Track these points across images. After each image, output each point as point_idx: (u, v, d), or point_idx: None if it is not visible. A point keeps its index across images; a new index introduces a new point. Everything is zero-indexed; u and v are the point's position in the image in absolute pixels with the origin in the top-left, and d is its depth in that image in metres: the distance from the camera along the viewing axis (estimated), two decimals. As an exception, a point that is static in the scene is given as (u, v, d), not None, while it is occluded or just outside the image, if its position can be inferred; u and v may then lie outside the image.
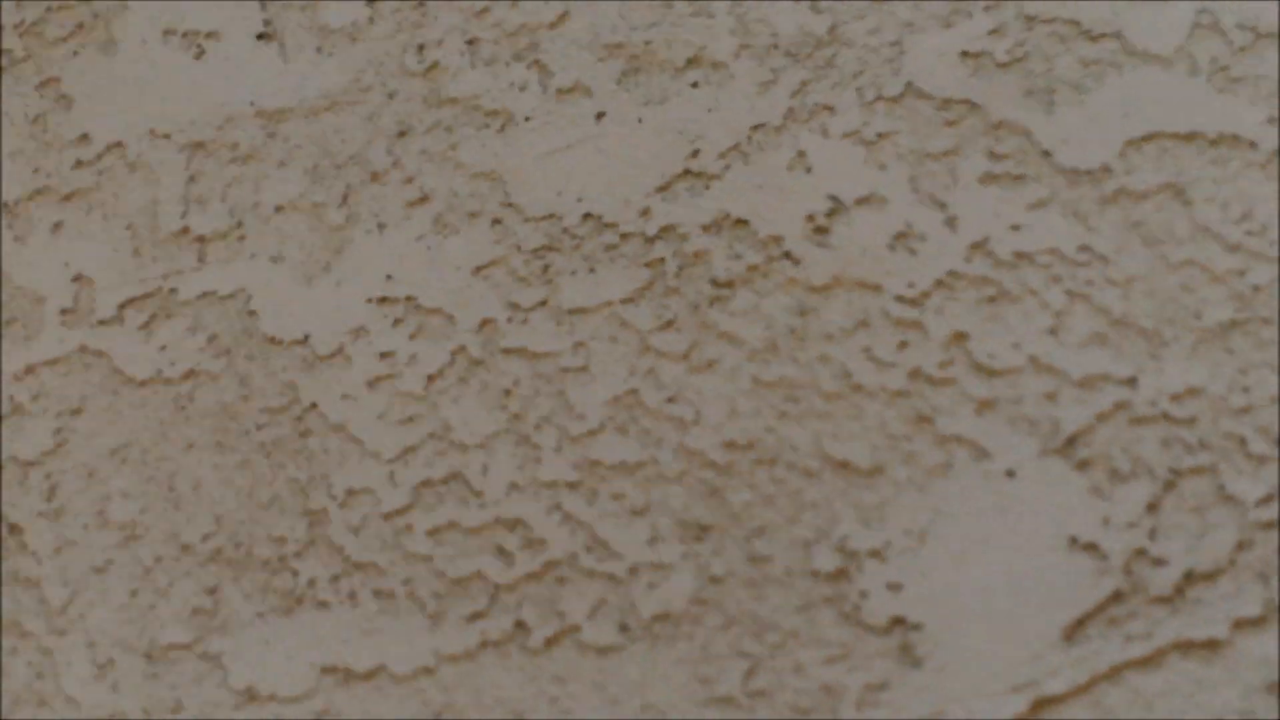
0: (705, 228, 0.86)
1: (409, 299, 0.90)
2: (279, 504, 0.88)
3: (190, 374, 0.94)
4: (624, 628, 0.80)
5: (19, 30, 1.06)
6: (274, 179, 0.96)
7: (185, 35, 1.02)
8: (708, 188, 0.87)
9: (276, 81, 0.98)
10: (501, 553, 0.83)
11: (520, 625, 0.81)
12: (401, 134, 0.94)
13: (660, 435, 0.83)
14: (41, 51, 1.05)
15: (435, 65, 0.94)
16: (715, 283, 0.85)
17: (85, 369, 0.96)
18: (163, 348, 0.95)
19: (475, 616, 0.82)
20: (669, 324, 0.85)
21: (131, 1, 1.04)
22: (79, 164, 1.01)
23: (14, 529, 0.94)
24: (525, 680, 0.80)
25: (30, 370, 0.97)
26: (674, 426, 0.83)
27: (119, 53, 1.03)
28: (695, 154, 0.88)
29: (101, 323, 0.97)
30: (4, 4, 1.07)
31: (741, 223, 0.85)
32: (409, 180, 0.92)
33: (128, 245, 0.98)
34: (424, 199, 0.91)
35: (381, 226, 0.92)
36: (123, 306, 0.97)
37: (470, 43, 0.94)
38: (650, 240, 0.86)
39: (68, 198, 1.00)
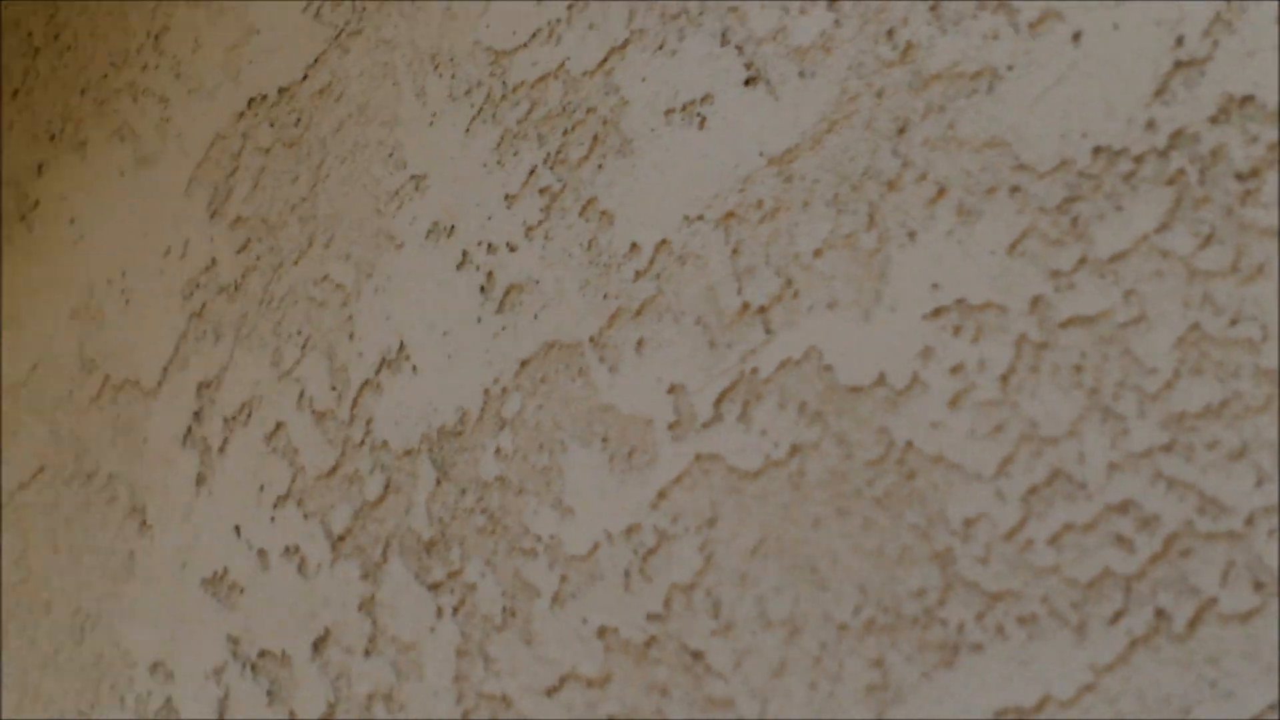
0: (1212, 119, 0.97)
1: (959, 301, 1.08)
2: (908, 555, 1.10)
3: (795, 449, 1.18)
4: (1258, 585, 0.92)
5: (548, 164, 1.39)
6: (803, 223, 1.19)
7: (684, 109, 1.29)
8: (1203, 74, 0.97)
9: (775, 121, 1.22)
10: (1120, 541, 0.99)
11: (1160, 613, 0.96)
12: (900, 130, 1.13)
13: (1235, 364, 0.94)
14: (571, 176, 1.37)
15: (909, 46, 1.14)
16: (1239, 176, 0.95)
17: (706, 476, 1.24)
18: (763, 431, 1.20)
19: (1116, 617, 0.98)
20: (1208, 239, 0.96)
21: (628, 95, 1.33)
22: (638, 275, 1.31)
23: (696, 655, 1.24)
24: (1181, 670, 0.95)
25: (662, 495, 1.27)
26: (1245, 350, 0.94)
27: (634, 151, 1.33)
28: (1179, 41, 0.99)
29: (704, 425, 1.25)
30: (523, 142, 1.41)
31: (1248, 100, 0.95)
32: (922, 177, 1.12)
33: (702, 340, 1.25)
34: (941, 191, 1.10)
35: (911, 235, 1.12)
36: (717, 403, 1.24)
37: (933, 9, 1.12)
38: (1163, 154, 0.99)
39: (639, 312, 1.30)
